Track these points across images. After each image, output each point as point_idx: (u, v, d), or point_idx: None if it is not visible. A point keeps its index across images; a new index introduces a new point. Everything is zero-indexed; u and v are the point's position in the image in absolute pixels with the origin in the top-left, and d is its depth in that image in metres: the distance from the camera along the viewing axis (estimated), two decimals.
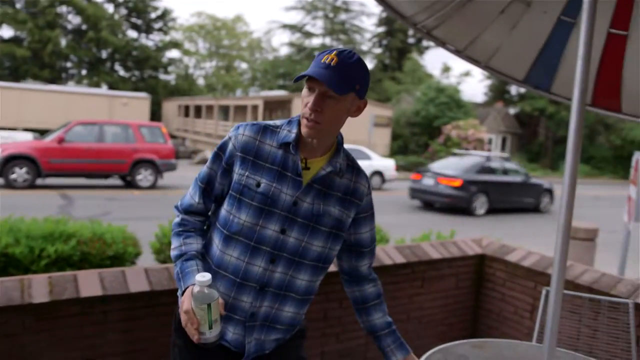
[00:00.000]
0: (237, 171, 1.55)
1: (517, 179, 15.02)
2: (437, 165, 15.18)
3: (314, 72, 1.45)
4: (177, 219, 1.64)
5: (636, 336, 2.73)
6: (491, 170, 14.47)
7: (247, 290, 1.54)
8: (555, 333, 1.74)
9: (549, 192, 15.95)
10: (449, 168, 14.26)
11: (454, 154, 17.73)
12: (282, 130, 1.58)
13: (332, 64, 1.45)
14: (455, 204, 13.68)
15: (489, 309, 3.66)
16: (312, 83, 1.48)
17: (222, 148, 1.59)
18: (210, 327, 1.37)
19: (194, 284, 1.39)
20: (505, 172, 14.91)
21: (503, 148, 36.56)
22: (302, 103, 1.52)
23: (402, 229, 7.91)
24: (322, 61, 1.46)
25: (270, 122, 1.61)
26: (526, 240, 8.20)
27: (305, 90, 1.51)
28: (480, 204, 13.83)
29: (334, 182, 1.59)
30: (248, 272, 1.53)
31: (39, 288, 2.15)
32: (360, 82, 1.51)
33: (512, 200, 14.79)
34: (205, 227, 1.68)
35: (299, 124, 1.56)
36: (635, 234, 5.06)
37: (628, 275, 5.50)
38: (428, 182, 14.01)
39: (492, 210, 14.08)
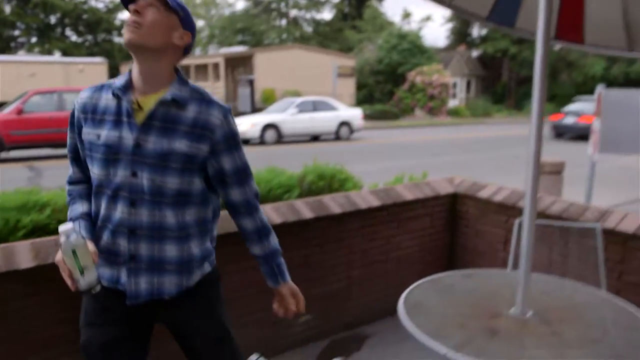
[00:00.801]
0: (84, 131, 1.62)
1: None
2: (573, 108, 19.07)
3: None
4: (66, 191, 1.73)
5: (604, 258, 2.87)
6: None
7: (121, 235, 1.60)
8: (530, 257, 1.83)
9: None
10: (584, 110, 17.82)
11: (577, 100, 20.86)
12: (115, 81, 1.63)
13: None
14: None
15: (463, 244, 3.79)
16: None
17: (71, 116, 1.67)
18: (82, 273, 1.44)
19: None
20: None
21: (468, 91, 36.85)
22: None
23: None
24: None
25: (110, 80, 1.67)
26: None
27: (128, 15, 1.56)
28: None
29: (176, 116, 1.59)
30: (115, 219, 1.59)
31: (23, 254, 2.15)
32: (184, 11, 1.60)
33: None
34: (90, 192, 1.72)
35: (130, 73, 1.62)
36: (600, 166, 5.25)
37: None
38: (569, 120, 18.38)
39: None
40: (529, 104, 1.80)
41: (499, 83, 39.22)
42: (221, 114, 1.62)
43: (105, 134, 1.56)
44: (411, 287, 2.05)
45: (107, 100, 1.60)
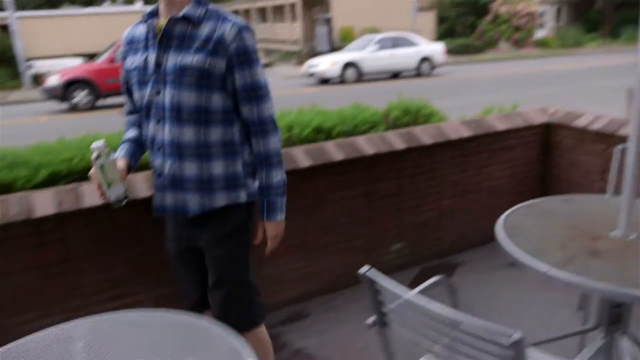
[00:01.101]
0: (126, 61, 1.78)
1: None
2: None
3: None
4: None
5: None
6: None
7: (155, 152, 1.76)
8: (635, 179, 1.79)
9: None
10: None
11: None
12: None
13: None
14: None
15: (557, 175, 3.70)
16: None
17: (121, 52, 1.86)
18: (109, 187, 1.61)
19: None
20: None
21: (557, 20, 34.50)
22: None
23: None
24: None
25: None
26: None
27: None
28: None
29: (191, 34, 1.67)
30: (148, 138, 1.75)
31: (141, 184, 2.37)
32: None
33: None
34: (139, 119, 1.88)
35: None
36: None
37: None
38: None
39: None
40: (628, 30, 1.68)
41: (593, 9, 36.33)
42: (235, 29, 1.66)
43: (137, 58, 1.73)
44: (508, 211, 2.06)
45: (140, 30, 1.76)
